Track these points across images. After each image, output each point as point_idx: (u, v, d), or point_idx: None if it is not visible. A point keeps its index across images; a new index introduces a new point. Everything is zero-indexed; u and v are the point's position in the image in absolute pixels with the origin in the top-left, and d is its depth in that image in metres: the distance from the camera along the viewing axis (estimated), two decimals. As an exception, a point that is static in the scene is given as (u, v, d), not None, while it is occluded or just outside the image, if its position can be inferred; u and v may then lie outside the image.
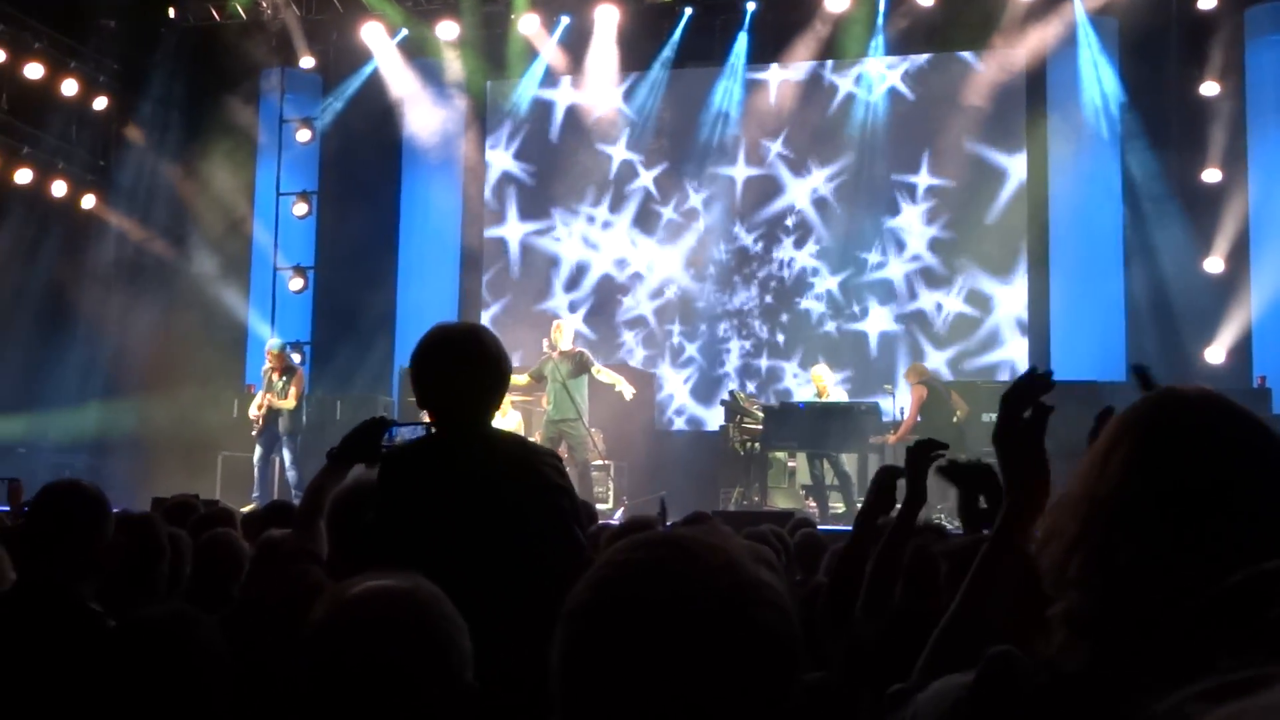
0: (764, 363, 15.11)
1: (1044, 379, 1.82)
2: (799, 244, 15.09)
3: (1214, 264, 13.19)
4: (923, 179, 14.76)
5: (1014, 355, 14.34)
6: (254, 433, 12.72)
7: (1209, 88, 13.30)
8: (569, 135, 15.85)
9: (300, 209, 15.39)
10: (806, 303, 14.99)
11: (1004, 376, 13.93)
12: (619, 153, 15.67)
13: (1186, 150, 13.36)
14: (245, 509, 7.60)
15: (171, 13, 15.78)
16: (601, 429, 12.33)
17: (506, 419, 11.54)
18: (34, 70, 14.54)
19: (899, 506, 3.21)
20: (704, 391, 15.18)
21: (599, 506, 10.10)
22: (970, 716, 1.36)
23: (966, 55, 14.50)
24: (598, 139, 15.70)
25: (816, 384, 12.36)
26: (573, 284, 15.74)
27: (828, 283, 14.91)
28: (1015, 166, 14.52)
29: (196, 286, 15.27)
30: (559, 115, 15.89)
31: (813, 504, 11.85)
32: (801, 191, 15.12)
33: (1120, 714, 1.27)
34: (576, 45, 15.28)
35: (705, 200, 15.32)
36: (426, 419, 3.21)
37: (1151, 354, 12.98)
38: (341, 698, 1.56)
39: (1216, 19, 13.40)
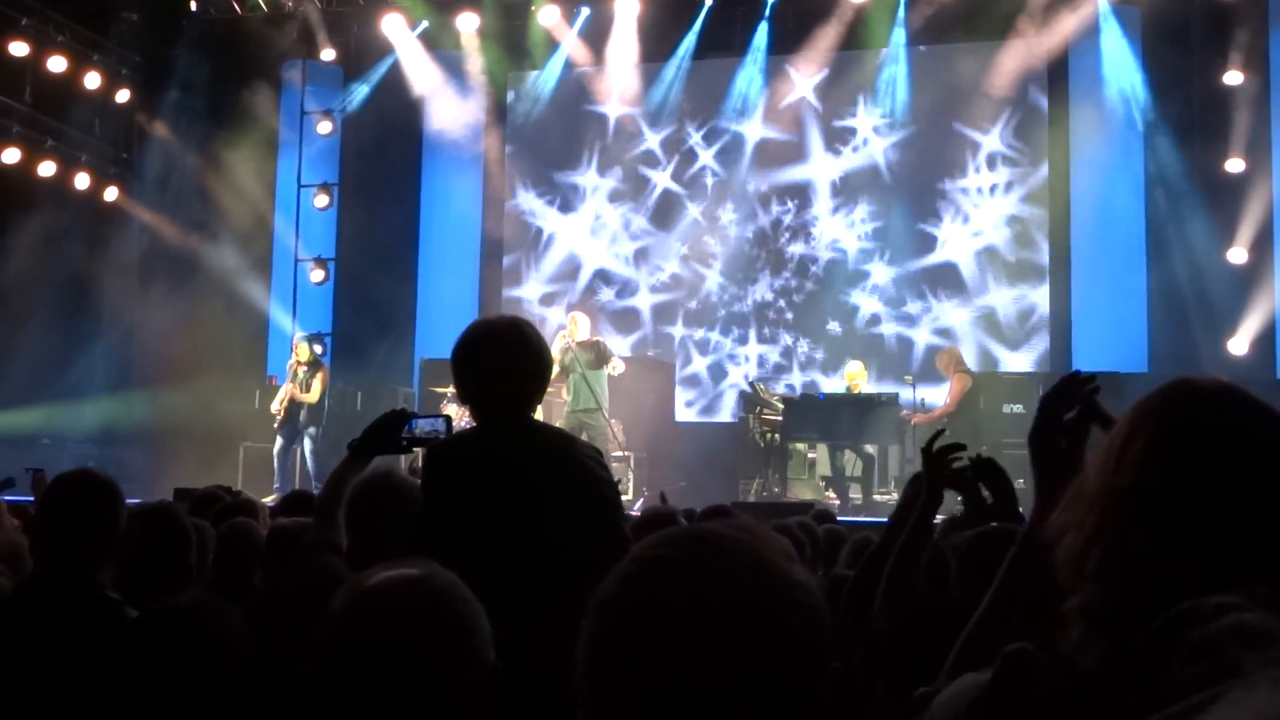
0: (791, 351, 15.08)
1: (1086, 381, 1.80)
2: (815, 236, 15.05)
3: (1237, 255, 13.10)
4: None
5: (1036, 346, 14.26)
6: (275, 424, 12.77)
7: (1232, 77, 13.19)
8: (591, 126, 15.83)
9: (321, 201, 15.44)
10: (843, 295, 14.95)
11: (1026, 367, 13.86)
12: (640, 143, 15.64)
13: (1210, 140, 13.26)
14: (266, 499, 7.64)
15: (193, 5, 15.84)
16: (620, 420, 12.33)
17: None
18: (57, 63, 14.61)
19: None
20: (728, 381, 15.17)
21: (619, 498, 10.08)
22: (986, 716, 1.36)
23: (988, 45, 14.40)
24: (619, 129, 15.68)
25: (848, 378, 12.34)
26: (592, 274, 15.72)
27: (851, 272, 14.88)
28: (1036, 157, 14.44)
29: (218, 278, 15.32)
30: (581, 106, 15.87)
31: (832, 495, 11.83)
32: (823, 181, 15.08)
33: (1136, 713, 1.27)
34: (597, 36, 15.26)
35: (728, 184, 15.28)
36: (446, 411, 3.23)
37: (1174, 345, 12.93)
38: (361, 687, 1.56)
39: (1240, 7, 13.30)
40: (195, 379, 13.94)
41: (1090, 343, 13.55)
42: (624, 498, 11.41)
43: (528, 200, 16.07)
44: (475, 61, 15.49)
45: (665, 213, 15.51)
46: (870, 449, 11.77)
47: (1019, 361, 14.11)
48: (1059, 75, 14.23)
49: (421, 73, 15.54)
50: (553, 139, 16.00)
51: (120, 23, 15.54)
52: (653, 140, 15.61)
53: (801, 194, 15.14)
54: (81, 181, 15.15)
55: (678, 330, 15.36)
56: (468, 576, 2.84)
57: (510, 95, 16.15)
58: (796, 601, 1.18)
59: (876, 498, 11.51)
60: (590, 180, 15.78)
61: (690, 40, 15.23)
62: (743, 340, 15.17)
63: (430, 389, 12.96)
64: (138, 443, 14.47)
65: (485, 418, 3.15)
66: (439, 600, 1.60)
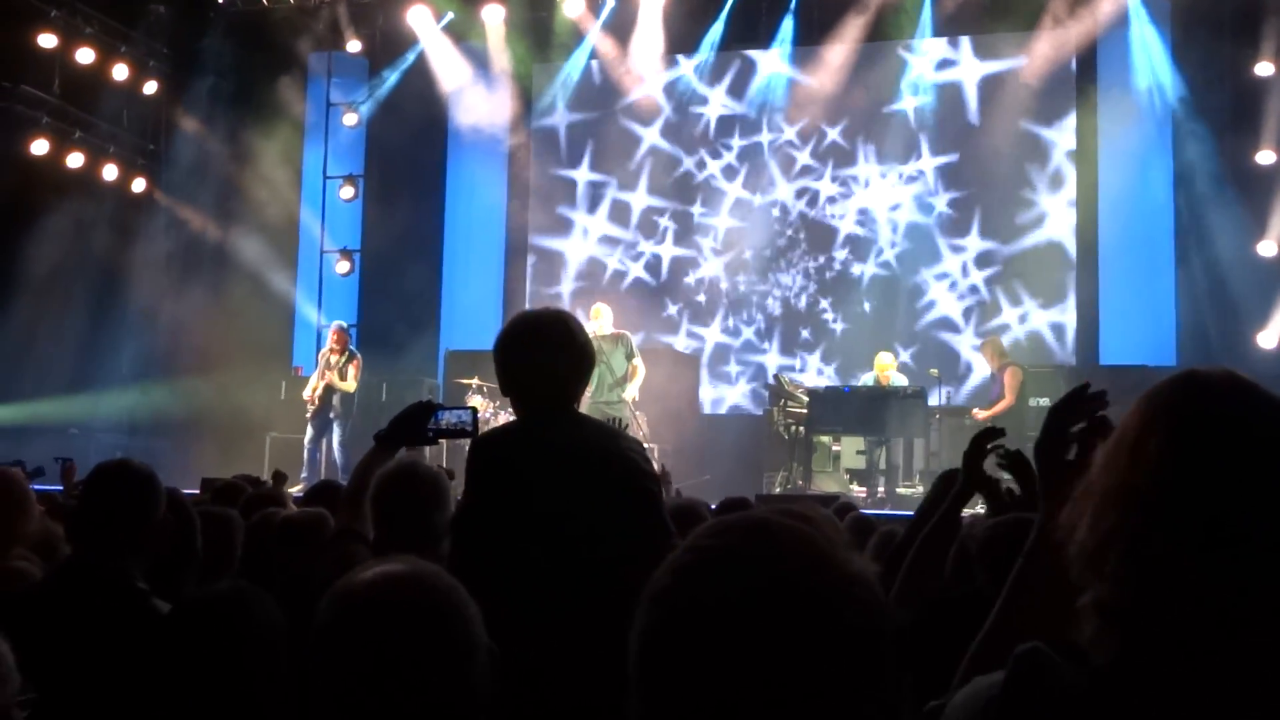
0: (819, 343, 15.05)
1: (1096, 397, 1.80)
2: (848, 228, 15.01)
3: (1268, 247, 12.98)
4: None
5: (1064, 339, 14.18)
6: (308, 415, 12.74)
7: (1263, 68, 13.07)
8: (616, 118, 15.82)
9: (347, 192, 15.51)
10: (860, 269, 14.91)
11: (1055, 360, 13.78)
12: (657, 135, 15.62)
13: (1240, 132, 13.14)
14: (293, 490, 7.67)
15: (220, -4, 15.93)
16: (645, 412, 12.33)
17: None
18: (85, 55, 14.70)
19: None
20: (752, 374, 15.15)
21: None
22: (1001, 717, 1.35)
23: (1016, 35, 14.31)
24: (645, 120, 15.66)
25: (878, 370, 12.29)
26: (617, 267, 15.71)
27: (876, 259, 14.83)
28: (1064, 147, 14.34)
29: (245, 269, 15.39)
30: (604, 98, 15.85)
31: (857, 488, 11.80)
32: (853, 174, 15.03)
33: (1152, 712, 1.26)
34: (623, 28, 15.24)
35: (752, 178, 15.25)
36: (472, 403, 3.24)
37: (1202, 339, 12.83)
38: (352, 686, 1.53)
39: (1271, -2, 13.19)
40: (221, 369, 14.02)
41: (1117, 336, 13.47)
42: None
43: (553, 192, 16.06)
44: (500, 53, 15.50)
45: (692, 203, 15.48)
46: (898, 457, 11.71)
47: (1046, 354, 14.03)
48: (1087, 66, 14.13)
49: (447, 65, 15.56)
50: (578, 131, 16.00)
51: (148, 14, 15.63)
52: (680, 132, 15.58)
53: (829, 186, 15.08)
54: (110, 173, 15.25)
55: (708, 323, 15.34)
56: (510, 567, 2.86)
57: (535, 87, 16.15)
58: (857, 599, 1.16)
59: (901, 491, 11.48)
60: (616, 172, 15.75)
61: (717, 31, 15.20)
62: (769, 333, 15.14)
63: (455, 381, 12.97)
64: (165, 433, 14.55)
65: (529, 409, 3.15)
66: (428, 595, 1.58)
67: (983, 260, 14.50)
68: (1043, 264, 14.28)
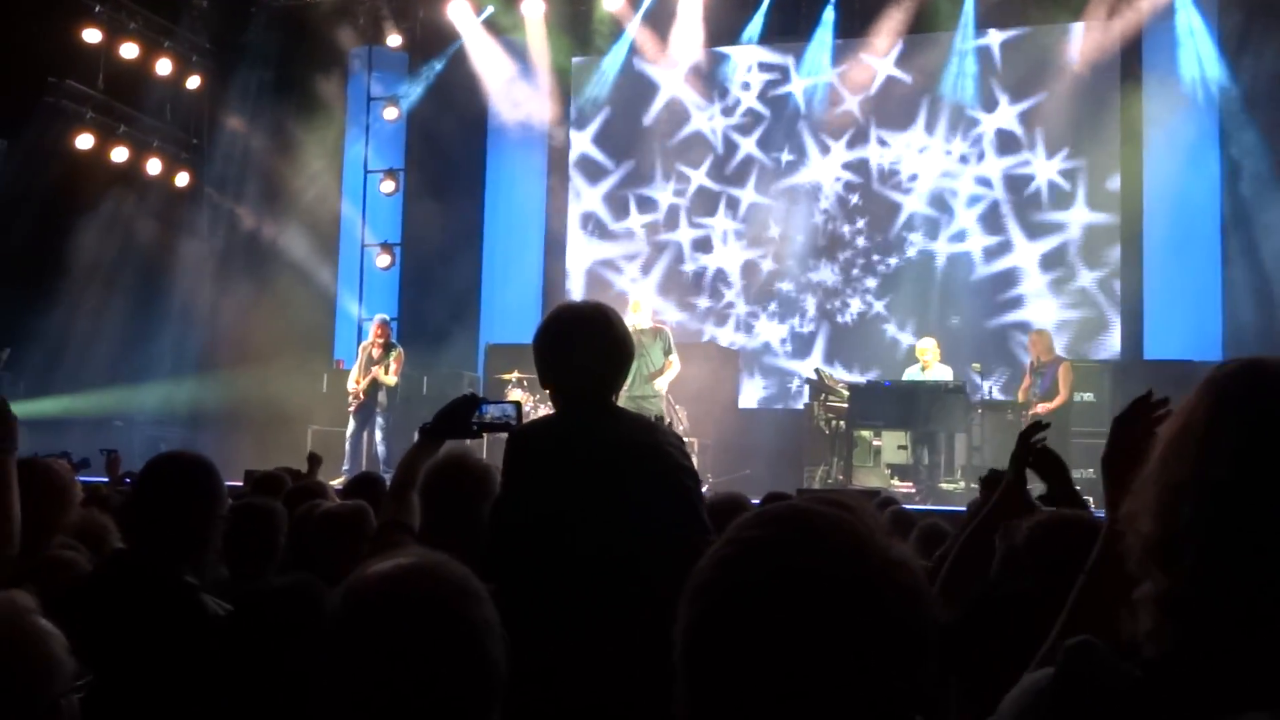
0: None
1: (1158, 404, 1.77)
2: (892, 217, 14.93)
3: (1316, 242, 12.81)
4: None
5: (1108, 334, 14.04)
6: (350, 408, 12.75)
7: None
8: (653, 112, 15.80)
9: (387, 186, 15.60)
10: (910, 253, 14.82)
11: (1099, 355, 13.65)
12: (704, 127, 15.60)
13: (1289, 124, 12.97)
14: (334, 482, 7.71)
15: (262, -9, 16.04)
16: (685, 406, 12.32)
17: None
18: (129, 50, 14.85)
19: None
20: (792, 368, 15.10)
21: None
22: (1053, 710, 1.33)
23: (1058, 27, 14.17)
24: (684, 114, 15.64)
25: (920, 357, 12.20)
26: (658, 260, 15.69)
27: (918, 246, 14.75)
28: (1109, 142, 14.19)
29: (286, 262, 15.50)
30: (643, 92, 15.84)
31: (899, 483, 11.71)
32: (892, 161, 14.95)
33: (1205, 705, 1.24)
34: (662, 21, 15.22)
35: (796, 167, 15.19)
36: (511, 397, 3.24)
37: (1249, 332, 12.66)
38: (364, 681, 1.52)
39: (1321, -13, 12.99)
40: (263, 362, 14.12)
41: (1163, 330, 13.34)
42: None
43: (592, 186, 16.07)
44: (540, 47, 15.51)
45: (734, 193, 15.44)
46: (940, 451, 11.62)
47: (1090, 349, 13.90)
48: (1132, 58, 13.96)
49: (487, 59, 15.59)
50: (617, 124, 15.99)
51: (191, 9, 15.75)
52: (719, 125, 15.55)
53: (871, 178, 15.01)
54: (153, 167, 15.40)
55: (751, 315, 15.31)
56: (544, 559, 2.86)
57: (575, 80, 16.15)
58: (899, 585, 1.17)
59: (943, 486, 11.41)
60: (655, 165, 15.74)
61: (756, 24, 15.14)
62: (806, 324, 15.09)
63: (495, 375, 13.00)
64: (207, 425, 14.68)
65: (567, 402, 3.14)
66: (439, 586, 1.56)
67: (1025, 255, 14.38)
68: (1088, 256, 14.15)
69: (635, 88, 15.88)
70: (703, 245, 15.54)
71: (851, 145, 15.05)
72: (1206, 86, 13.44)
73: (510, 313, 15.44)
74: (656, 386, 11.47)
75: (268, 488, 5.27)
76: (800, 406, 13.70)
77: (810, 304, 15.07)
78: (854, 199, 15.04)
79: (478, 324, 15.74)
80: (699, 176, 15.57)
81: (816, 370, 13.26)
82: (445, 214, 15.38)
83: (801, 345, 15.09)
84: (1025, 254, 14.39)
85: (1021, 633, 2.51)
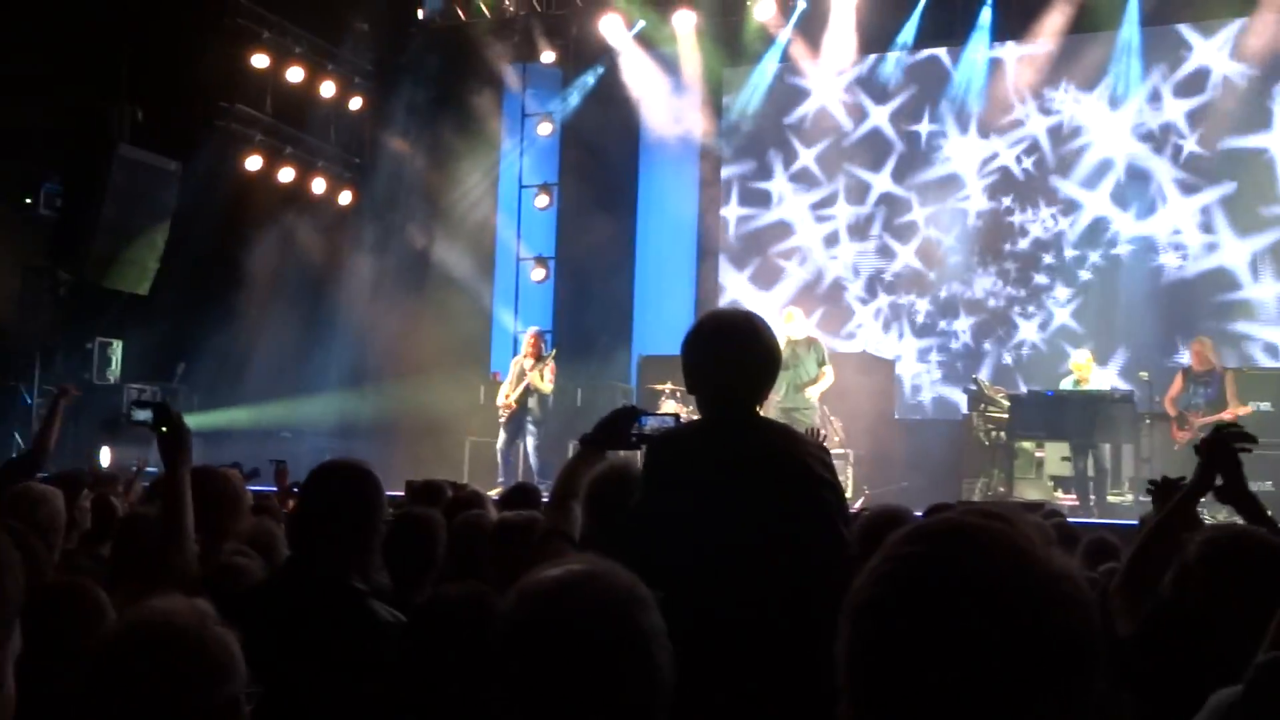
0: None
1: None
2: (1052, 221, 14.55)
3: None
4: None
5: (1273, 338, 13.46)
6: (501, 419, 12.90)
7: None
8: (807, 121, 15.70)
9: (542, 201, 15.86)
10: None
11: (1266, 360, 13.08)
12: (852, 136, 15.44)
13: None
14: (491, 493, 7.83)
15: (420, 14, 16.44)
16: (840, 417, 12.21)
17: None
18: (295, 74, 15.40)
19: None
20: (951, 378, 14.82)
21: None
22: (1243, 721, 1.29)
23: (1228, 24, 13.65)
24: (837, 125, 15.51)
25: (1077, 371, 11.81)
26: (812, 272, 15.57)
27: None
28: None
29: (444, 276, 15.86)
30: (797, 102, 15.75)
31: (1064, 496, 11.39)
32: (1056, 170, 14.58)
33: None
34: (814, 29, 15.12)
35: (953, 178, 14.93)
36: (665, 407, 3.24)
37: None
38: (532, 684, 1.53)
39: None
40: (423, 375, 14.43)
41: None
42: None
43: (745, 198, 16.04)
44: (691, 59, 15.57)
45: (887, 208, 15.24)
46: (1107, 463, 11.21)
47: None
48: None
49: (638, 72, 15.71)
50: (769, 135, 15.94)
51: (352, 32, 16.23)
52: (873, 135, 15.37)
53: (1030, 183, 14.67)
54: (318, 186, 15.93)
55: (909, 323, 15.09)
56: (679, 569, 2.85)
57: (726, 91, 16.15)
58: (1063, 597, 1.14)
59: (1111, 499, 11.05)
60: (808, 177, 15.64)
61: (910, 29, 14.93)
62: (978, 336, 14.80)
63: (648, 386, 13.06)
64: (369, 436, 15.04)
65: (711, 410, 3.12)
66: (610, 591, 1.57)
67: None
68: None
69: (786, 96, 15.80)
70: (863, 255, 15.34)
71: (1012, 146, 14.71)
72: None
73: (664, 325, 15.46)
74: (808, 396, 11.38)
75: (428, 497, 5.37)
76: (959, 418, 13.44)
77: (965, 312, 14.76)
78: (1007, 199, 14.66)
79: (631, 336, 15.84)
80: (855, 183, 15.39)
81: (975, 380, 13.00)
82: (599, 227, 15.53)
83: (967, 356, 14.79)
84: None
85: (1198, 649, 2.42)
